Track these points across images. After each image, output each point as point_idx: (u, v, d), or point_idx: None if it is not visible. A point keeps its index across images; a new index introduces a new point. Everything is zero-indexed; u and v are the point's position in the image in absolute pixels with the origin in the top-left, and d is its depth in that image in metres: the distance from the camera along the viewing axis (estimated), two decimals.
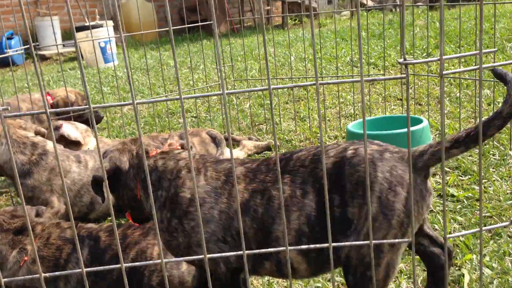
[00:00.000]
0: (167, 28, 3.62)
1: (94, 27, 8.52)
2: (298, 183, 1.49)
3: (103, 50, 8.16)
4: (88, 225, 2.04)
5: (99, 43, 8.11)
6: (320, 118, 1.14)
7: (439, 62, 1.20)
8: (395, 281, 1.93)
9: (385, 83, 4.17)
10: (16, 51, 3.01)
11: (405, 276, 1.95)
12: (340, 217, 1.44)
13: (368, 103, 4.22)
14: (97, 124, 3.99)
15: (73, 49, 9.55)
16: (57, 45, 3.35)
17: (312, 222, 1.47)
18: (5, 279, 1.23)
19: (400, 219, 1.40)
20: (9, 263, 1.90)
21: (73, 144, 3.07)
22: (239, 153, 3.33)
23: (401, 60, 1.17)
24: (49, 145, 2.52)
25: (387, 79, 1.18)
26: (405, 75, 1.19)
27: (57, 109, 1.18)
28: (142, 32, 3.37)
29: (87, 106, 1.18)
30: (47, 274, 1.31)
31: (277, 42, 6.47)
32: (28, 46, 3.14)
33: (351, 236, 1.45)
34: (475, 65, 4.13)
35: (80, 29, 8.29)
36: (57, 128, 2.98)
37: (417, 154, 1.45)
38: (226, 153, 3.25)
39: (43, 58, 9.54)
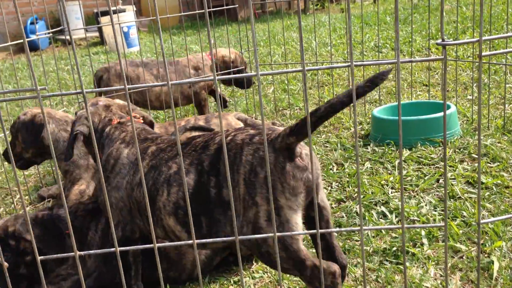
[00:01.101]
0: (190, 13, 3.61)
1: (116, 12, 8.56)
2: (185, 164, 1.67)
3: (126, 35, 8.19)
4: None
5: (122, 28, 8.14)
6: (355, 100, 1.12)
7: (473, 45, 1.17)
8: (422, 267, 1.92)
9: (412, 68, 4.11)
10: (45, 34, 3.03)
11: (433, 263, 1.93)
12: (216, 197, 1.59)
13: (394, 89, 4.16)
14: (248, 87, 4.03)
15: (96, 34, 9.62)
16: (85, 28, 3.35)
17: (178, 200, 1.67)
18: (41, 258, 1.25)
19: (263, 195, 1.50)
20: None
21: None
22: None
23: (439, 41, 1.15)
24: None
25: (424, 61, 1.16)
26: (442, 57, 1.17)
27: (94, 90, 1.19)
28: (166, 16, 3.37)
29: (123, 86, 1.19)
30: (82, 253, 1.33)
31: (297, 28, 6.39)
32: (56, 30, 3.16)
33: (247, 210, 1.55)
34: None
35: (103, 14, 8.33)
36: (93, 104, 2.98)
37: (275, 136, 1.53)
38: None
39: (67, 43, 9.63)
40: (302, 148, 1.55)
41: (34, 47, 8.66)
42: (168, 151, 1.76)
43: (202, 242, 1.35)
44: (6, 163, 3.32)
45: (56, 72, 6.58)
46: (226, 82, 4.13)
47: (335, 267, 1.54)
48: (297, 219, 1.50)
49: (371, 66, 4.91)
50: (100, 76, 3.67)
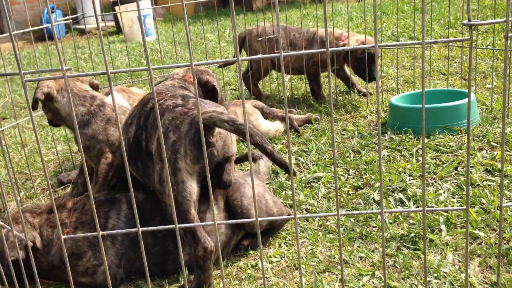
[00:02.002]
0: (201, 0, 3.59)
1: (131, 0, 8.58)
2: (132, 116, 2.05)
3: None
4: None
5: (137, 16, 8.17)
6: (378, 80, 1.12)
7: (493, 28, 1.16)
8: (440, 253, 1.92)
9: (430, 56, 4.06)
10: (64, 20, 3.06)
11: (451, 249, 1.93)
12: (145, 148, 1.90)
13: (411, 77, 4.13)
14: None
15: (112, 23, 9.66)
16: (102, 15, 3.36)
17: (130, 145, 2.00)
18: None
19: (168, 156, 1.76)
20: (54, 241, 1.95)
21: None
22: (279, 126, 3.33)
23: (465, 21, 1.14)
24: (107, 98, 2.62)
25: (450, 41, 1.15)
26: (468, 38, 1.16)
27: (118, 71, 1.20)
28: (181, 2, 3.37)
29: (146, 67, 1.20)
30: (105, 232, 1.35)
31: (314, 16, 6.34)
32: (71, 17, 3.18)
33: (156, 164, 1.84)
34: None
35: (120, 2, 8.36)
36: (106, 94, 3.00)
37: (204, 113, 1.76)
38: (263, 123, 3.27)
39: (82, 32, 9.69)
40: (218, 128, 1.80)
41: (50, 35, 8.72)
42: (141, 115, 2.06)
43: (223, 223, 1.36)
44: (26, 148, 3.36)
45: (74, 60, 6.64)
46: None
47: (209, 245, 1.80)
48: (193, 182, 1.66)
49: (389, 53, 4.87)
50: (243, 37, 4.01)
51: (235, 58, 1.21)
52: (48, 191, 2.91)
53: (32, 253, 1.81)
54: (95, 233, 1.34)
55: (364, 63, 3.56)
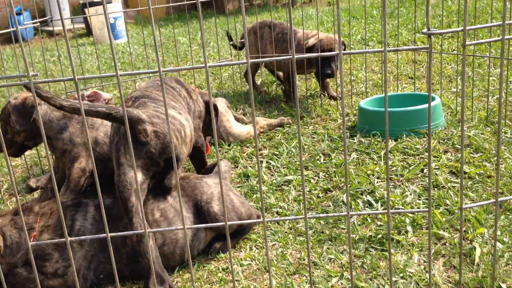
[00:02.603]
0: (175, 4, 3.60)
1: (102, 3, 8.49)
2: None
3: (112, 27, 8.13)
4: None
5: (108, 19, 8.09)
6: (342, 87, 1.15)
7: (457, 35, 1.21)
8: (406, 253, 1.97)
9: (398, 60, 4.16)
10: (34, 23, 3.01)
11: (417, 249, 1.98)
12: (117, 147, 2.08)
13: (380, 81, 4.21)
14: None
15: (82, 25, 9.53)
16: (71, 18, 3.33)
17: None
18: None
19: (114, 154, 2.03)
20: (20, 244, 1.91)
21: None
22: (250, 129, 3.35)
23: (425, 30, 1.18)
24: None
25: (410, 49, 1.19)
26: (428, 46, 1.20)
27: (86, 77, 1.20)
28: (153, 6, 3.36)
29: (114, 74, 1.20)
30: (73, 238, 1.35)
31: (286, 20, 6.40)
32: (39, 20, 3.14)
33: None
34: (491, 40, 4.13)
35: (90, 4, 8.26)
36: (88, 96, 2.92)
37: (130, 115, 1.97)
38: (234, 125, 3.29)
39: (51, 34, 9.52)
40: (152, 127, 1.98)
41: (22, 38, 8.56)
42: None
43: (191, 228, 1.38)
44: None
45: (42, 63, 6.53)
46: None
47: (140, 230, 1.89)
48: (136, 175, 1.72)
49: (358, 57, 4.96)
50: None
51: (245, 61, 1.23)
52: (18, 195, 2.86)
53: None
54: (63, 239, 1.33)
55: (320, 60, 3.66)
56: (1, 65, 6.66)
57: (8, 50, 8.15)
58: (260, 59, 1.25)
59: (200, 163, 2.58)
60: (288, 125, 3.47)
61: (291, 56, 1.19)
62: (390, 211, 1.30)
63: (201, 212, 2.08)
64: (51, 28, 9.31)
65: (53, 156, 2.65)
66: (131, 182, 1.93)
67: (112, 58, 4.25)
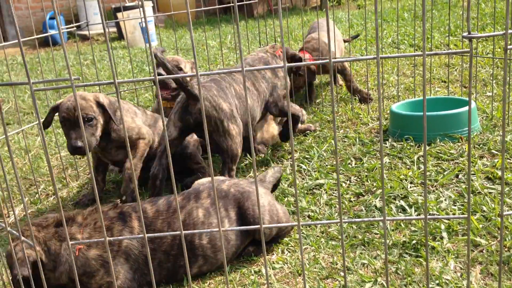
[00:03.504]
0: (204, 8, 3.64)
1: (134, 7, 8.63)
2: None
3: (143, 30, 8.26)
4: (127, 204, 2.11)
5: (140, 23, 8.22)
6: (380, 91, 1.14)
7: (493, 41, 1.18)
8: (442, 260, 1.94)
9: (431, 64, 4.10)
10: (69, 28, 3.09)
11: (453, 256, 1.95)
12: None
13: (412, 85, 4.16)
14: None
15: (114, 29, 9.71)
16: (106, 22, 3.40)
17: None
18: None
19: None
20: (62, 256, 1.91)
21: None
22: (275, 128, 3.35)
23: (465, 34, 1.17)
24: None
25: (450, 53, 1.18)
26: (468, 50, 1.18)
27: (126, 80, 1.23)
28: (183, 11, 3.40)
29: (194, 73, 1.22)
30: (111, 238, 1.38)
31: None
32: (75, 25, 3.21)
33: None
34: None
35: (120, 9, 8.41)
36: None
37: None
38: (272, 124, 3.36)
39: (84, 38, 9.73)
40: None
41: (53, 41, 8.78)
42: None
43: (227, 230, 1.39)
44: (30, 154, 3.37)
45: (76, 66, 6.67)
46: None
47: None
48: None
49: (390, 60, 4.90)
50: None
51: (282, 65, 1.24)
52: (52, 197, 2.93)
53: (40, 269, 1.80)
54: (105, 252, 1.36)
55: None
56: (37, 67, 6.83)
57: (43, 53, 8.37)
58: (297, 63, 1.26)
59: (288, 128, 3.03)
60: (315, 131, 3.45)
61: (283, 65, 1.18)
62: (428, 217, 1.28)
63: (246, 220, 2.08)
64: (84, 32, 9.51)
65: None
66: (168, 135, 2.37)
67: (147, 60, 4.29)
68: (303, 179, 2.78)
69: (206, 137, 1.23)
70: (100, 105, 2.56)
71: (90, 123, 2.50)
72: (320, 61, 1.22)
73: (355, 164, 2.87)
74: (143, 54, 7.08)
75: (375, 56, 1.21)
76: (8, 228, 1.63)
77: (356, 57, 1.17)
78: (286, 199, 2.56)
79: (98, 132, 2.55)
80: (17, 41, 2.65)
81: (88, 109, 2.51)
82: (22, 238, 1.53)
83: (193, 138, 2.96)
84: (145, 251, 1.96)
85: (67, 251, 1.91)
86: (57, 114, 2.55)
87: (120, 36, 9.30)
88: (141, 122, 2.80)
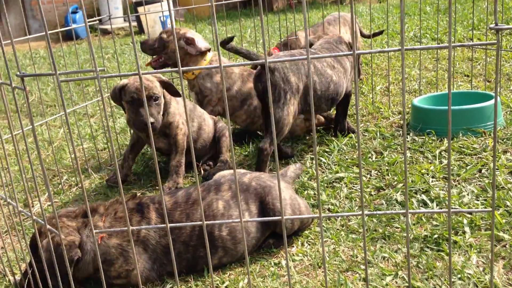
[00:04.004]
0: (223, 2, 3.64)
1: (154, 1, 8.68)
2: None
3: (163, 25, 8.31)
4: (145, 195, 2.14)
5: (160, 17, 8.26)
6: (404, 83, 1.13)
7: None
8: (464, 254, 1.92)
9: (454, 58, 4.04)
10: (92, 21, 3.12)
11: (475, 251, 1.93)
12: None
13: (434, 79, 4.11)
14: None
15: (134, 23, 9.78)
16: (127, 16, 3.44)
17: None
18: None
19: None
20: (86, 244, 1.95)
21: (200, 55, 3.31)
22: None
23: (492, 25, 1.15)
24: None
25: (476, 45, 1.16)
26: (495, 41, 1.17)
27: (150, 72, 1.24)
28: (202, 5, 3.41)
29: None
30: (134, 228, 1.40)
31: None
32: (97, 19, 3.25)
33: None
34: None
35: (140, 4, 8.47)
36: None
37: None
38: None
39: (105, 32, 9.83)
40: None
41: (76, 36, 8.89)
42: None
43: (249, 221, 1.40)
44: (53, 145, 3.43)
45: (99, 60, 6.75)
46: None
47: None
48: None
49: (411, 54, 4.85)
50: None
51: (305, 56, 1.24)
52: (75, 187, 2.98)
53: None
54: (126, 240, 1.38)
55: None
56: (60, 61, 6.94)
57: (65, 47, 8.48)
58: (320, 55, 1.25)
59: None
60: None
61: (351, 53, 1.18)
62: (451, 210, 1.27)
63: (266, 214, 2.09)
64: (105, 27, 9.61)
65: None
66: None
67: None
68: (323, 172, 2.78)
69: (270, 101, 1.24)
70: (162, 84, 2.74)
71: (157, 102, 2.71)
72: (344, 54, 1.21)
73: (376, 158, 2.85)
74: None
75: (400, 47, 1.20)
76: (34, 217, 1.67)
77: (382, 49, 1.15)
78: (306, 192, 2.56)
79: (162, 111, 2.76)
80: (40, 34, 2.68)
81: (154, 89, 2.69)
82: (48, 226, 1.56)
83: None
84: (163, 242, 1.98)
85: (90, 239, 1.94)
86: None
87: (140, 30, 9.38)
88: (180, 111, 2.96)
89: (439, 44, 4.93)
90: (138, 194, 2.12)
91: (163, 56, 3.33)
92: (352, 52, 1.19)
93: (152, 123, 2.62)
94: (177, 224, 1.37)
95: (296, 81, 2.75)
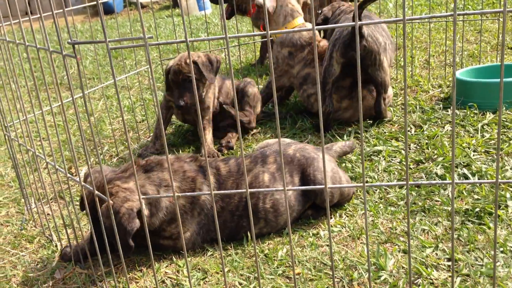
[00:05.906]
0: None
1: None
2: None
3: None
4: (203, 158, 2.14)
5: None
6: (455, 51, 1.11)
7: None
8: (507, 228, 1.89)
9: (498, 29, 3.90)
10: None
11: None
12: None
13: (476, 51, 3.99)
14: None
15: None
16: None
17: None
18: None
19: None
20: (161, 201, 1.95)
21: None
22: None
23: None
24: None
25: None
26: None
27: (198, 39, 1.25)
28: None
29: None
30: (179, 194, 1.43)
31: None
32: None
33: None
34: None
35: None
36: None
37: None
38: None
39: (141, 6, 9.87)
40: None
41: (109, 10, 8.96)
42: None
43: (292, 190, 1.42)
44: (93, 118, 3.51)
45: (136, 33, 6.81)
46: None
47: None
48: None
49: (458, 23, 4.70)
50: None
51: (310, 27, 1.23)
52: (116, 158, 3.06)
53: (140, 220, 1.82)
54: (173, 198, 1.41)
55: None
56: (95, 36, 7.02)
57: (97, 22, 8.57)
58: (325, 26, 1.23)
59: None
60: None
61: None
62: (499, 180, 1.25)
63: (306, 184, 2.10)
64: (140, 0, 9.66)
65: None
66: (333, 73, 2.84)
67: (199, 29, 4.34)
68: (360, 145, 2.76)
69: (358, 68, 1.24)
70: (194, 64, 2.85)
71: (192, 83, 2.83)
72: (393, 21, 1.19)
73: (415, 131, 2.81)
74: (197, 22, 7.12)
75: (452, 13, 1.17)
76: (83, 183, 1.73)
77: (431, 14, 1.12)
78: (343, 164, 2.56)
79: (200, 90, 2.95)
80: (80, 5, 2.71)
81: (190, 72, 2.80)
82: (96, 192, 1.61)
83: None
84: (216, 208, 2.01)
85: (168, 198, 1.93)
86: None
87: (174, 4, 9.38)
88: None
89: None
90: (198, 156, 2.12)
91: (230, 7, 3.74)
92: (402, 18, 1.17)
93: (181, 105, 2.86)
94: (221, 192, 1.40)
95: (384, 39, 2.86)
